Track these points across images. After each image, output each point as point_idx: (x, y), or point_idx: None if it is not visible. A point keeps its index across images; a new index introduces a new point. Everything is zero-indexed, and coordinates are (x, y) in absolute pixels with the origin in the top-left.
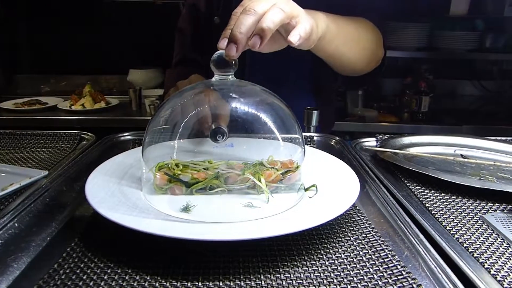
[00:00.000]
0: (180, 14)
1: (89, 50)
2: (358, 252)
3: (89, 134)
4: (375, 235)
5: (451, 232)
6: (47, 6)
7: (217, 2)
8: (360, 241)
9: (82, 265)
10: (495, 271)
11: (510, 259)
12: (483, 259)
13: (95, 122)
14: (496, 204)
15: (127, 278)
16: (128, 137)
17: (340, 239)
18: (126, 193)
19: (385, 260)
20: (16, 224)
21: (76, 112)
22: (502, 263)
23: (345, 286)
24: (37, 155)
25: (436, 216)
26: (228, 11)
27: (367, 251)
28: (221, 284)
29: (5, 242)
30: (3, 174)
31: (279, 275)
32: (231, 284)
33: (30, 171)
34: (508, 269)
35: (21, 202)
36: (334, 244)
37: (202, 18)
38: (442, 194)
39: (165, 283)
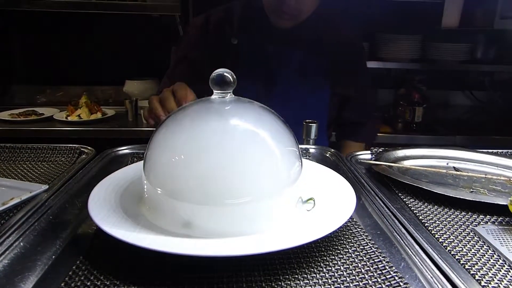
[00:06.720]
0: (176, 29)
1: (85, 61)
2: (356, 264)
3: (89, 148)
4: (373, 246)
5: (444, 244)
6: (43, 17)
7: (236, 23)
8: (358, 253)
9: (88, 283)
10: (485, 283)
11: (500, 270)
12: (474, 271)
13: (91, 133)
14: (488, 216)
15: None
16: (126, 151)
17: (338, 251)
18: (128, 209)
19: (383, 271)
20: (21, 244)
21: (73, 123)
22: (492, 274)
23: None
24: (37, 169)
25: (429, 228)
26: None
27: (365, 262)
28: None
29: (12, 261)
30: (3, 188)
31: None
32: None
33: (30, 185)
34: (498, 280)
35: (22, 217)
36: (333, 257)
37: (216, 42)
38: (435, 206)
39: None
